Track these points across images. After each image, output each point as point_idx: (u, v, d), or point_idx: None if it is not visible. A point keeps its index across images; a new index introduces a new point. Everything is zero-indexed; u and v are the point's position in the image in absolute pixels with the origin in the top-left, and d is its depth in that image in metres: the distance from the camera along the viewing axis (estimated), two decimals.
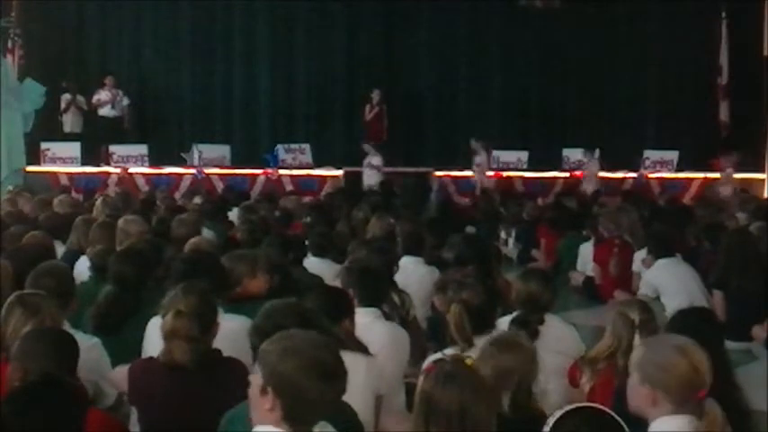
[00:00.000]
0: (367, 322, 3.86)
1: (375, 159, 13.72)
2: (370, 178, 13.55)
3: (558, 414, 2.47)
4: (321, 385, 2.24)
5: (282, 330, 2.86)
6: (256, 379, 2.31)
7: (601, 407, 2.54)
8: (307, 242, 6.15)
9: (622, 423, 2.43)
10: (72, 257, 5.83)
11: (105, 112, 14.54)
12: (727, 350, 3.53)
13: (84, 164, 14.20)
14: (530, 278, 4.28)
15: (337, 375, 2.28)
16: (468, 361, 2.65)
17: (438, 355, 3.47)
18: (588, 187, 13.30)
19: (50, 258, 5.12)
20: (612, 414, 2.46)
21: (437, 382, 2.53)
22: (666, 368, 2.57)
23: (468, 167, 14.39)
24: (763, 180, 14.03)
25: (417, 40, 15.92)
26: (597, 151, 13.84)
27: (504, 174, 14.32)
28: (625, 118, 15.66)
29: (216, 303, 3.45)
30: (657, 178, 14.17)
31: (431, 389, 2.53)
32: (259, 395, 2.28)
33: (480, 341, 3.59)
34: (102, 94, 14.54)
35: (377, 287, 4.19)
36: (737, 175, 13.92)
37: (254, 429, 2.33)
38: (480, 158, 13.84)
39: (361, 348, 3.43)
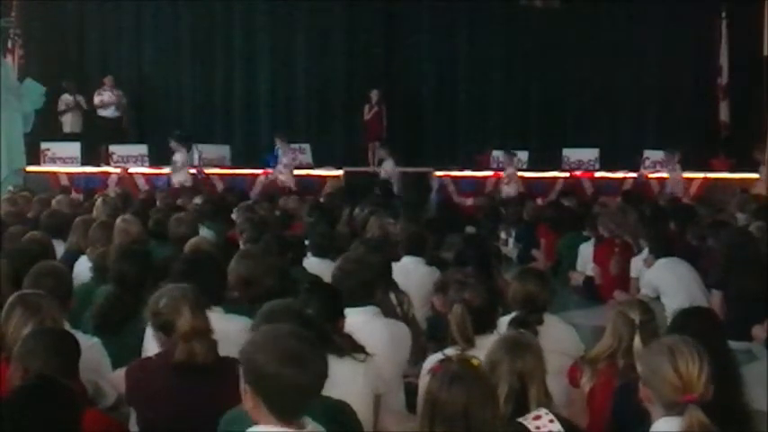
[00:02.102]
0: (365, 320, 3.85)
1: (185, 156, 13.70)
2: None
3: None
4: (292, 373, 2.25)
5: None
6: (243, 380, 2.34)
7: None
8: (307, 242, 6.15)
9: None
10: (72, 257, 5.83)
11: (108, 113, 14.53)
12: (731, 349, 3.53)
13: (84, 164, 14.21)
14: (527, 278, 4.26)
15: (308, 360, 2.29)
16: (475, 362, 2.66)
17: (439, 355, 3.47)
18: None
19: (49, 258, 5.11)
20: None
21: (443, 383, 2.53)
22: (654, 369, 2.63)
23: (469, 167, 14.42)
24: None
25: (417, 40, 15.91)
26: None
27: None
28: (625, 118, 15.67)
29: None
30: (657, 178, 14.16)
31: (437, 389, 2.54)
32: (245, 395, 2.32)
33: (481, 341, 3.59)
34: (105, 96, 14.53)
35: (373, 285, 4.17)
36: (736, 175, 13.92)
37: (248, 430, 2.35)
38: (287, 158, 13.83)
39: (359, 348, 3.42)
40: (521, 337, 3.20)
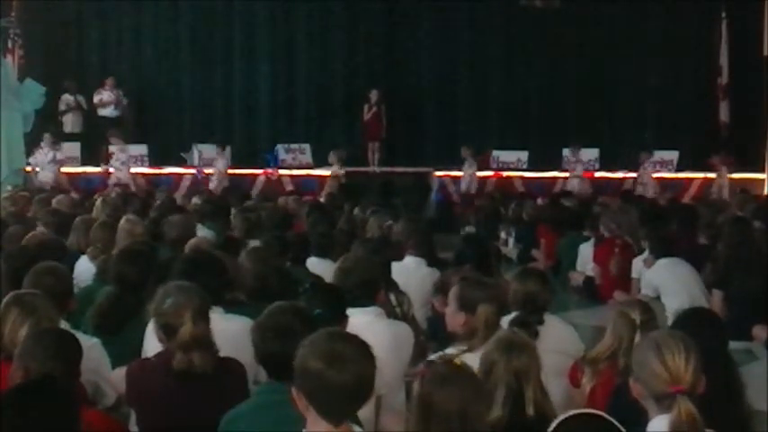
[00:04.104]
0: (369, 321, 3.84)
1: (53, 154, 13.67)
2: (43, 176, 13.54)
3: (558, 419, 2.47)
4: (332, 372, 2.29)
5: (287, 332, 2.88)
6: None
7: (600, 413, 2.54)
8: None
9: (621, 428, 2.43)
10: (72, 258, 5.83)
11: (107, 112, 14.54)
12: (729, 351, 3.53)
13: (84, 164, 14.20)
14: (527, 278, 4.25)
15: (349, 361, 2.32)
16: (457, 361, 2.67)
17: (439, 355, 3.47)
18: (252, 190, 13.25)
19: (62, 257, 5.11)
20: (612, 420, 2.46)
21: (435, 384, 2.53)
22: (642, 364, 2.64)
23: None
24: (762, 180, 14.03)
25: (417, 40, 15.92)
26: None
27: (504, 174, 14.34)
28: (625, 118, 15.66)
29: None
30: (657, 178, 14.16)
31: (430, 391, 2.52)
32: (297, 396, 2.36)
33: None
34: (105, 95, 14.56)
35: (375, 285, 4.17)
36: (736, 175, 13.92)
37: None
38: (124, 156, 13.78)
39: None
40: (516, 337, 3.20)
